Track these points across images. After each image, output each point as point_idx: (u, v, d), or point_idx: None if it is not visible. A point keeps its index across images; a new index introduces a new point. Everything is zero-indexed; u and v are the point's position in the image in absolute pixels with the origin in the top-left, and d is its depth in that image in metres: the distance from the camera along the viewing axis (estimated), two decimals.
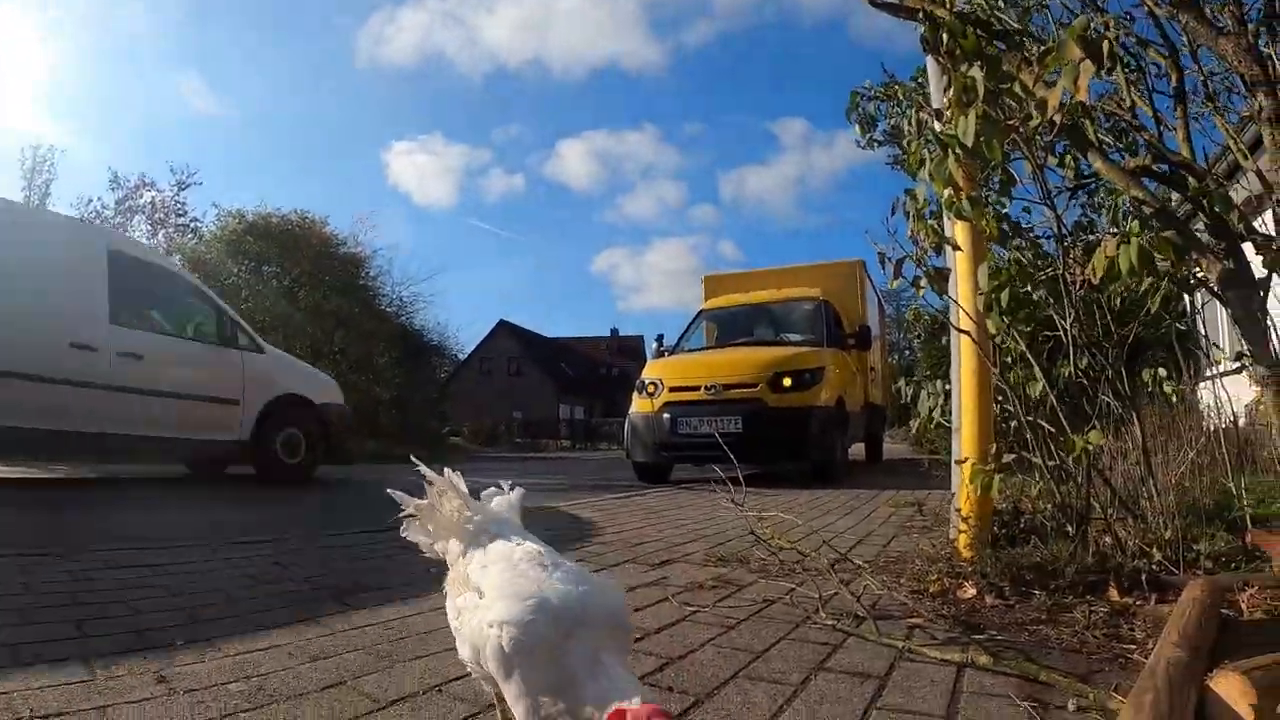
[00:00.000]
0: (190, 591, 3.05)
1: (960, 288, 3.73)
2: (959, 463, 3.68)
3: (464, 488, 1.60)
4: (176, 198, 24.07)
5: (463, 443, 36.07)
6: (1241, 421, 4.69)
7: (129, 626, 2.50)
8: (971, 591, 2.98)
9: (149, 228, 23.56)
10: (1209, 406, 4.76)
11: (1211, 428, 4.62)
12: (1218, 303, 3.25)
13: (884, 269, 3.72)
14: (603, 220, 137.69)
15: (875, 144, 6.38)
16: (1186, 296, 4.37)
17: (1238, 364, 3.34)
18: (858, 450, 14.00)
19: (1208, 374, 4.59)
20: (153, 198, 23.68)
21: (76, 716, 1.71)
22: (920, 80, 5.17)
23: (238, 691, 1.92)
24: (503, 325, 62.60)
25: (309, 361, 25.99)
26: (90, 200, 22.16)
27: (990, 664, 2.12)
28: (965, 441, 3.75)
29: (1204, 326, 4.97)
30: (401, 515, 1.65)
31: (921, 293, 3.67)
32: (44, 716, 1.69)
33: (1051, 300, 3.54)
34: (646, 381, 10.15)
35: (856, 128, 6.14)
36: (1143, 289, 3.61)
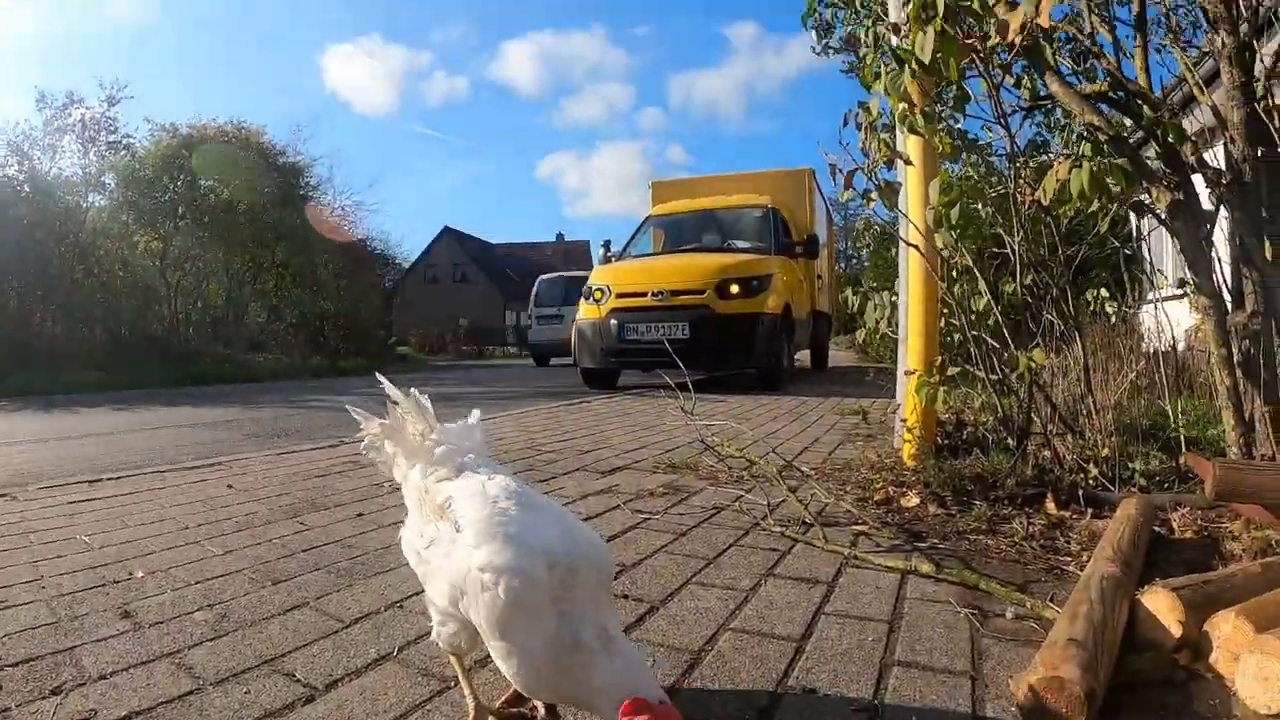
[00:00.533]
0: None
1: (910, 202, 3.77)
2: (906, 374, 3.76)
3: (430, 408, 1.55)
4: (107, 114, 23.04)
5: (410, 352, 35.86)
6: (1181, 346, 4.84)
7: None
8: (915, 500, 3.08)
9: (80, 147, 22.61)
10: (1150, 329, 4.89)
11: (1151, 350, 4.76)
12: (1164, 231, 3.32)
13: (834, 180, 3.72)
14: (549, 124, 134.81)
15: (831, 51, 6.34)
16: (1134, 220, 4.46)
17: (1180, 289, 3.43)
18: (804, 357, 14.20)
19: (1150, 297, 4.71)
20: (82, 115, 22.66)
21: None
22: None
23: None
24: (447, 232, 61.48)
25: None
26: (17, 123, 21.14)
27: (933, 572, 2.21)
28: (911, 353, 3.84)
29: (1149, 251, 5.08)
30: (362, 434, 1.59)
31: (872, 205, 3.70)
32: None
33: (1000, 218, 3.60)
34: (593, 288, 10.11)
35: (812, 33, 6.07)
36: (1090, 210, 3.69)
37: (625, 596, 2.10)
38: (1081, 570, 2.04)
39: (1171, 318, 4.38)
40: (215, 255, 24.64)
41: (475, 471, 1.45)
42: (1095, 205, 3.37)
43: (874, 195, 3.64)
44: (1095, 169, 2.74)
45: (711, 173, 14.47)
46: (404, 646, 1.79)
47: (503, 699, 1.46)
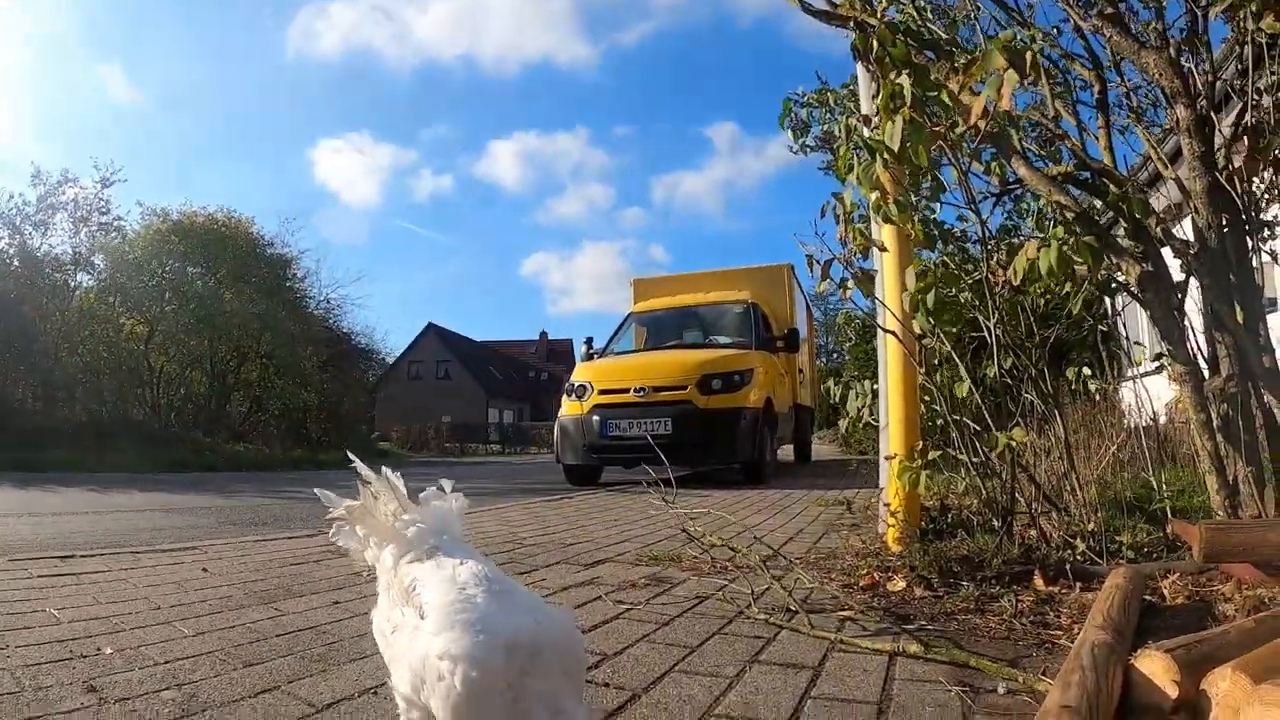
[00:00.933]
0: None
1: (887, 289, 3.83)
2: (888, 458, 3.77)
3: (403, 489, 1.53)
4: (100, 195, 23.32)
5: (392, 448, 35.61)
6: (1162, 420, 4.89)
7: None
8: (901, 584, 3.06)
9: (71, 225, 22.80)
10: (1130, 405, 4.94)
11: (1132, 425, 4.80)
12: (1138, 305, 3.38)
13: (812, 272, 3.81)
14: (533, 222, 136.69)
15: (808, 150, 6.50)
16: (1108, 300, 4.55)
17: (1157, 364, 3.48)
18: (786, 452, 14.19)
19: (1129, 374, 4.77)
20: (75, 194, 22.92)
21: None
22: (852, 88, 5.29)
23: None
24: (431, 328, 61.81)
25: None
26: (12, 196, 21.34)
27: (921, 652, 2.18)
28: (893, 438, 3.85)
29: (1125, 328, 5.16)
30: (332, 516, 1.56)
31: (849, 295, 3.77)
32: None
33: (977, 302, 3.66)
34: (575, 384, 10.16)
35: (789, 133, 6.23)
36: (1064, 291, 3.76)
37: (607, 685, 2.04)
38: (1073, 643, 2.01)
39: (1151, 392, 4.42)
40: (201, 342, 24.63)
41: (448, 555, 1.42)
42: (1066, 286, 3.44)
43: (851, 284, 3.71)
44: (1063, 248, 2.81)
45: (692, 270, 14.73)
46: None
47: None
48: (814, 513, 6.14)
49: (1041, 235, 3.35)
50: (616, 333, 12.57)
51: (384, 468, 1.56)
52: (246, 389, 26.89)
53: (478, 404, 59.00)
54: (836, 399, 5.14)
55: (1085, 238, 2.97)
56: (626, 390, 9.65)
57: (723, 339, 11.39)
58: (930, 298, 3.23)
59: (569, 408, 10.11)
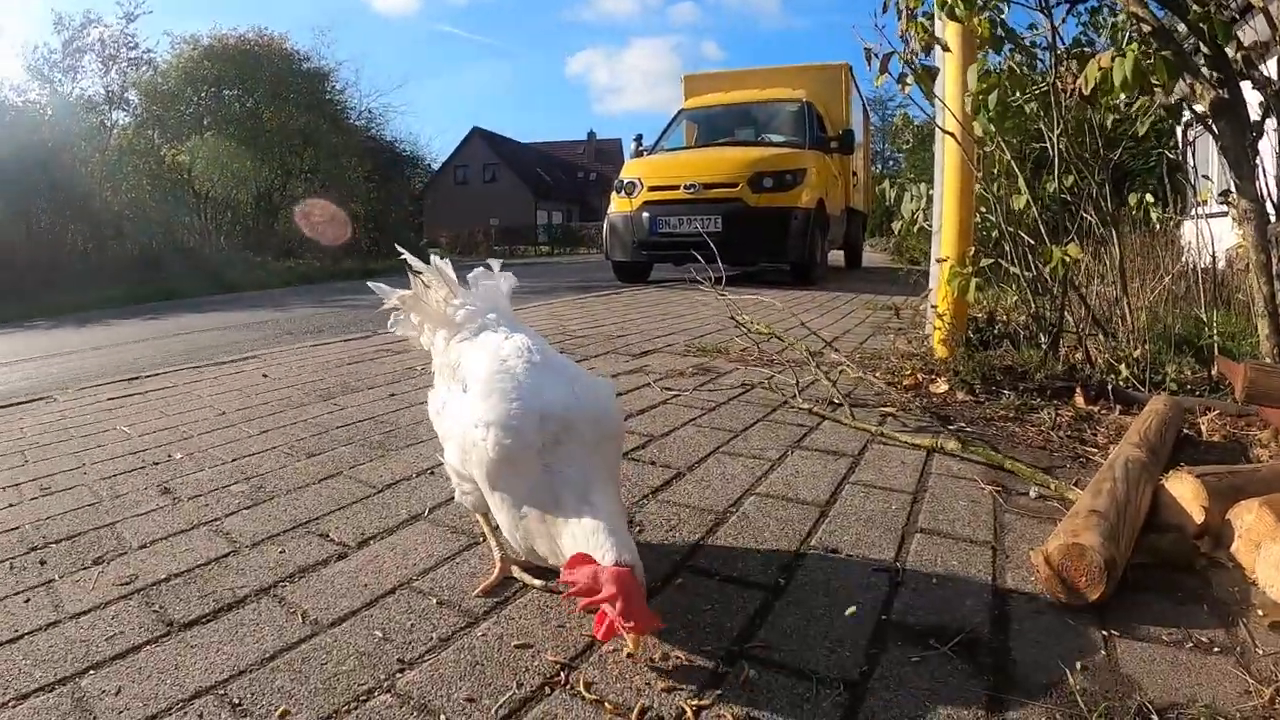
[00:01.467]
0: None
1: (948, 89, 3.64)
2: (939, 261, 3.70)
3: (451, 274, 1.55)
4: (125, 30, 22.83)
5: (441, 253, 35.76)
6: (1221, 263, 4.69)
7: None
8: (944, 387, 3.06)
9: (100, 66, 22.49)
10: (1190, 244, 4.74)
11: (1191, 264, 4.62)
12: (1209, 139, 3.18)
13: (870, 66, 3.59)
14: (578, 19, 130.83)
15: None
16: (1178, 130, 4.29)
17: (1222, 203, 3.30)
18: (837, 256, 14.01)
19: (1193, 211, 4.54)
20: (100, 34, 22.47)
21: None
22: None
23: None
24: (477, 132, 60.71)
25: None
26: (36, 47, 20.97)
27: (958, 450, 2.20)
28: (945, 243, 3.75)
29: (1194, 161, 4.88)
30: (387, 307, 1.61)
31: (908, 92, 3.57)
32: None
33: (1041, 113, 3.47)
34: (625, 181, 9.96)
35: None
36: (1134, 108, 3.55)
37: (653, 463, 2.14)
38: (1103, 461, 2.00)
39: (1214, 233, 4.22)
40: (243, 164, 24.58)
41: (494, 331, 1.46)
42: (1137, 103, 3.23)
43: (910, 81, 3.51)
44: (1138, 57, 2.63)
45: (746, 68, 14.11)
46: (434, 508, 1.84)
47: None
48: (862, 315, 6.12)
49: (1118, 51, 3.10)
50: (667, 129, 12.13)
51: (433, 256, 1.59)
52: (293, 206, 27.02)
53: (526, 206, 58.57)
54: (891, 200, 5.01)
55: (1163, 52, 2.77)
56: (677, 187, 9.45)
57: (776, 138, 11.00)
58: (993, 99, 3.06)
59: (618, 204, 9.92)
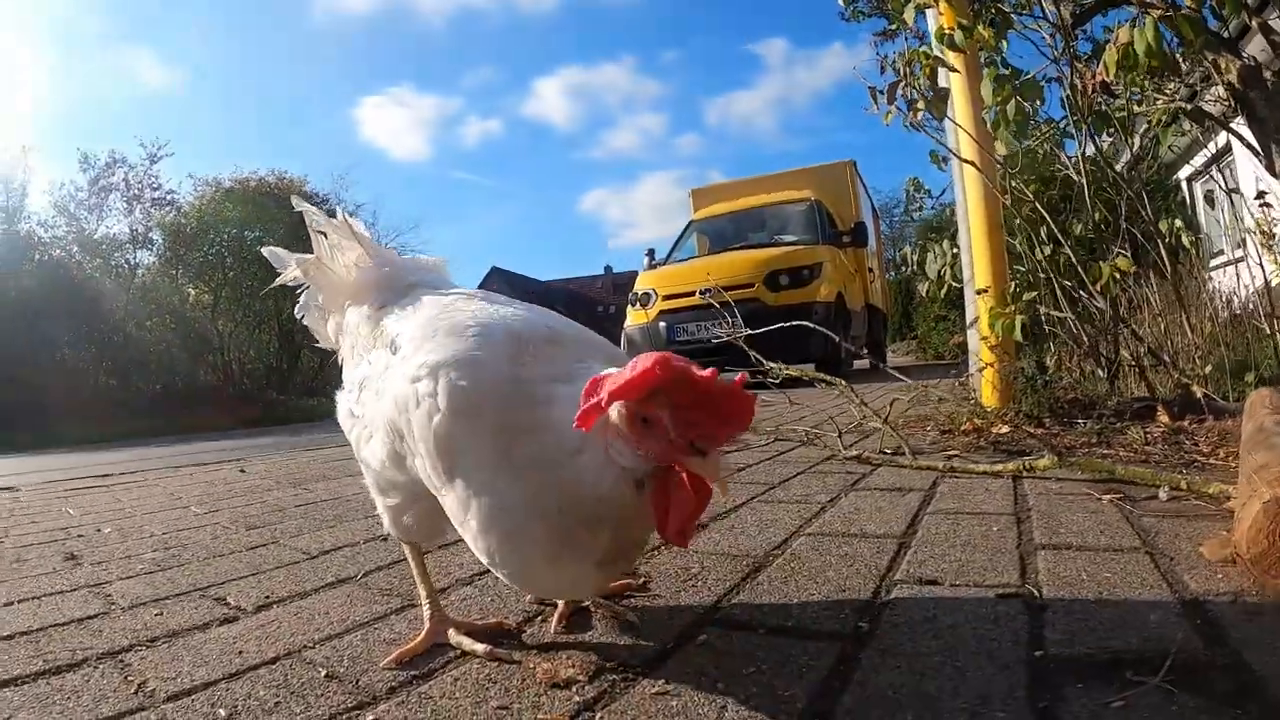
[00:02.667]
0: None
1: (959, 109, 3.37)
2: (978, 292, 3.36)
3: (364, 232, 1.18)
4: (149, 171, 23.58)
5: None
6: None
7: None
8: (1005, 428, 2.69)
9: (125, 205, 23.14)
10: (1218, 285, 4.47)
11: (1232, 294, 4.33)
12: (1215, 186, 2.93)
13: (876, 104, 3.35)
14: (587, 158, 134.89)
15: (861, 15, 6.03)
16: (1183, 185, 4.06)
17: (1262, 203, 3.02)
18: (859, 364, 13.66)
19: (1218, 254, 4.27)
20: (125, 174, 23.22)
21: None
22: None
23: None
24: (495, 272, 61.76)
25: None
26: (63, 184, 21.66)
27: (1052, 466, 1.83)
28: (979, 276, 3.43)
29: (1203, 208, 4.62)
30: (284, 279, 1.24)
31: (919, 116, 3.29)
32: None
33: (1067, 112, 3.21)
34: (640, 293, 9.72)
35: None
36: (1155, 119, 3.32)
37: None
38: (1221, 463, 1.79)
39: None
40: (266, 304, 24.85)
41: (432, 292, 1.07)
42: (1154, 114, 2.96)
43: (921, 106, 3.25)
44: (1157, 22, 2.38)
45: (751, 176, 14.10)
46: (372, 571, 1.43)
47: (484, 622, 1.06)
48: (896, 397, 5.69)
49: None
50: (678, 242, 11.98)
51: (339, 209, 1.20)
52: (315, 344, 27.21)
53: None
54: (914, 265, 4.71)
55: (1183, 9, 2.52)
56: (691, 293, 9.16)
57: (788, 238, 10.82)
58: (1011, 107, 2.79)
59: (634, 317, 9.63)
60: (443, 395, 0.80)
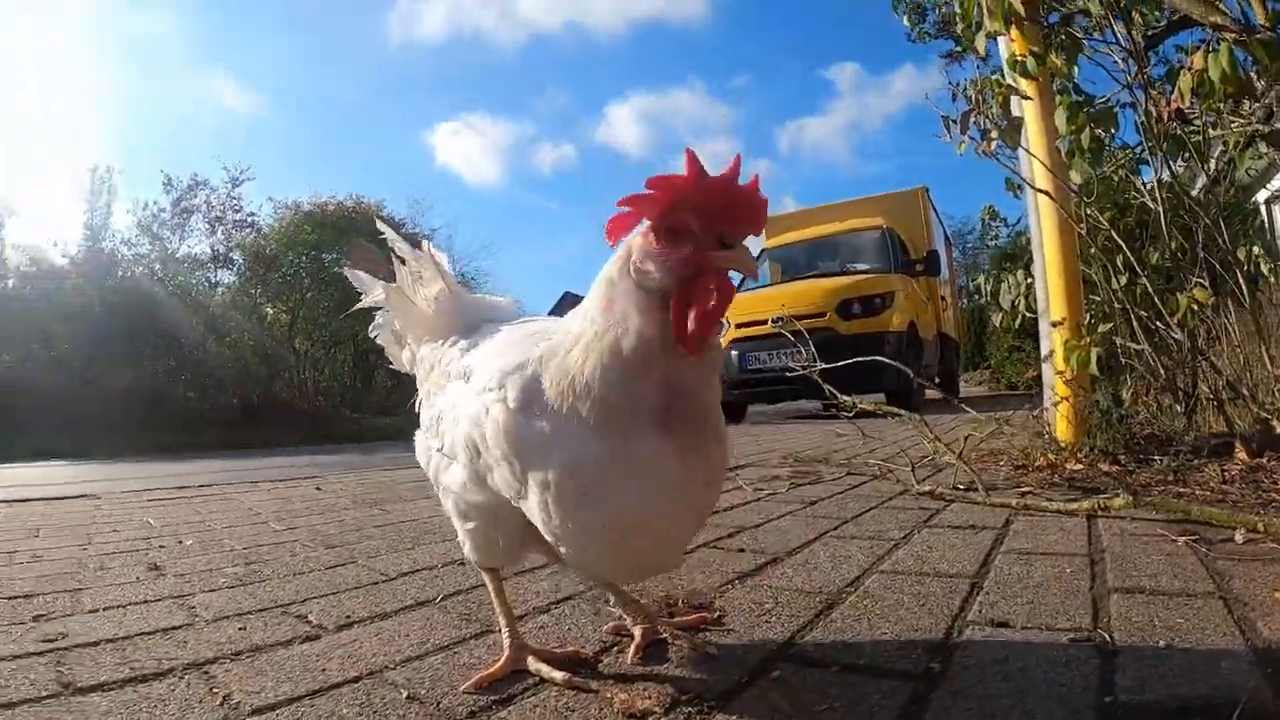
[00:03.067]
0: None
1: (1033, 140, 3.31)
2: (1054, 324, 3.29)
3: (448, 267, 1.22)
4: (231, 194, 24.40)
5: None
6: None
7: None
8: (1080, 465, 2.63)
9: (206, 226, 23.97)
10: None
11: None
12: None
13: (949, 132, 3.32)
14: None
15: (927, 36, 5.95)
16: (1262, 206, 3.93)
17: None
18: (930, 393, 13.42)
19: None
20: (207, 197, 24.07)
21: None
22: None
23: None
24: (568, 296, 62.37)
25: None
26: (146, 204, 22.54)
27: (1128, 506, 1.79)
28: (1054, 308, 3.35)
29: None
30: (364, 305, 1.30)
31: (992, 146, 3.25)
32: None
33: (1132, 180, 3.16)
34: None
35: (905, 19, 5.69)
36: (1232, 142, 3.23)
37: (742, 550, 1.71)
38: None
39: None
40: (342, 325, 25.38)
41: (507, 325, 1.09)
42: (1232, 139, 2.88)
43: (994, 136, 3.21)
44: (1232, 46, 2.34)
45: (822, 204, 14.00)
46: (451, 595, 1.45)
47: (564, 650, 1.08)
48: (968, 431, 5.58)
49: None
50: None
51: (425, 242, 1.24)
52: (389, 365, 27.66)
53: None
54: (988, 294, 4.63)
55: (1258, 35, 2.46)
56: (764, 322, 9.10)
57: (859, 266, 10.71)
58: (1086, 136, 2.75)
59: None
60: (510, 392, 0.85)
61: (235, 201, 24.74)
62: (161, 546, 2.08)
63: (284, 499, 3.11)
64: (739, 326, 9.28)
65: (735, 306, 5.48)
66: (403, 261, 1.21)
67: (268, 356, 22.43)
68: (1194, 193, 3.39)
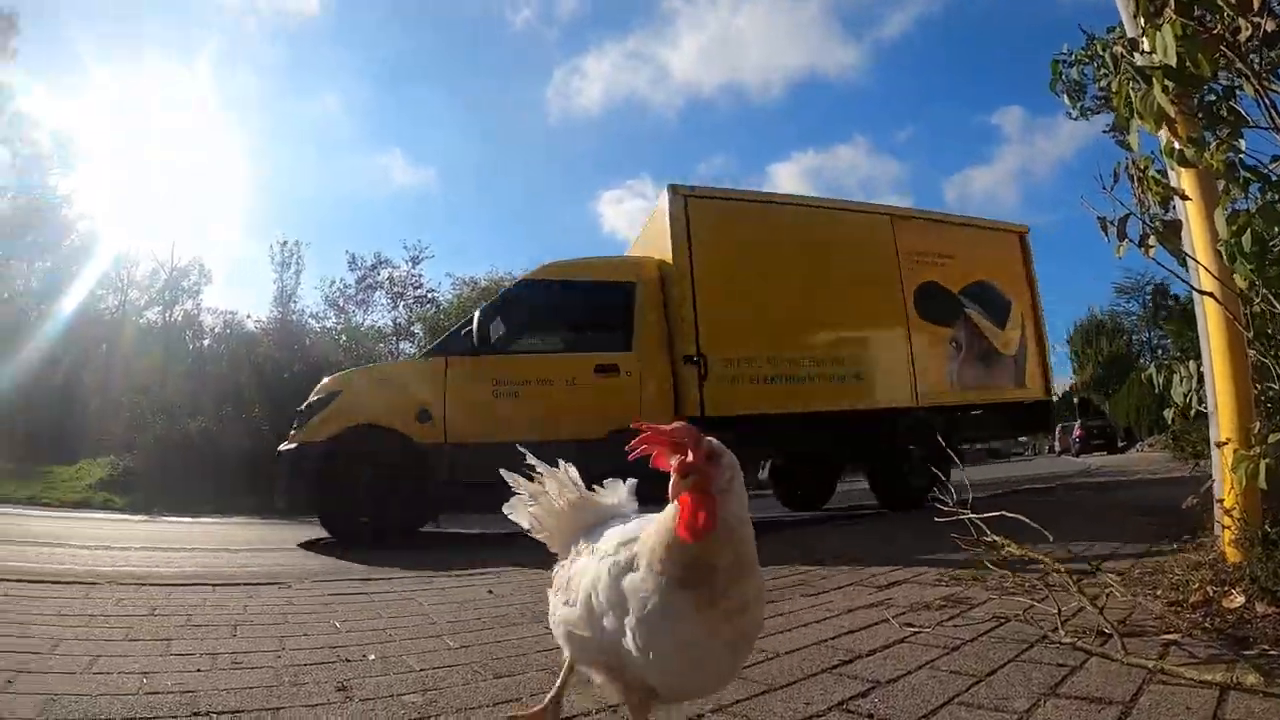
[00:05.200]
0: None
1: (1195, 241, 3.22)
2: (1219, 445, 3.16)
3: (578, 479, 1.56)
4: (412, 271, 25.95)
5: None
6: None
7: None
8: (1239, 600, 2.53)
9: (388, 301, 25.56)
10: None
11: None
12: None
13: (1106, 235, 3.28)
14: None
15: (1088, 113, 5.79)
16: None
17: None
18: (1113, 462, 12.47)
19: None
20: (389, 274, 25.69)
21: None
22: (1119, 33, 4.60)
23: None
24: None
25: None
26: (333, 281, 24.29)
27: (1260, 684, 1.75)
28: (1223, 422, 3.21)
29: None
30: (518, 500, 1.61)
31: (1152, 253, 3.21)
32: None
33: None
34: None
35: (1065, 98, 5.58)
36: None
37: (870, 716, 1.79)
38: None
39: None
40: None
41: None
42: None
43: (1153, 242, 3.16)
44: None
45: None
46: None
47: None
48: (1136, 524, 5.33)
49: None
50: None
51: (561, 461, 1.59)
52: None
53: None
54: (1160, 386, 4.47)
55: None
56: None
57: None
58: (1247, 238, 2.68)
59: None
60: (625, 556, 1.20)
61: (416, 278, 26.23)
62: (347, 660, 2.33)
63: (458, 604, 3.36)
64: None
65: None
66: (538, 473, 1.59)
67: None
68: None
